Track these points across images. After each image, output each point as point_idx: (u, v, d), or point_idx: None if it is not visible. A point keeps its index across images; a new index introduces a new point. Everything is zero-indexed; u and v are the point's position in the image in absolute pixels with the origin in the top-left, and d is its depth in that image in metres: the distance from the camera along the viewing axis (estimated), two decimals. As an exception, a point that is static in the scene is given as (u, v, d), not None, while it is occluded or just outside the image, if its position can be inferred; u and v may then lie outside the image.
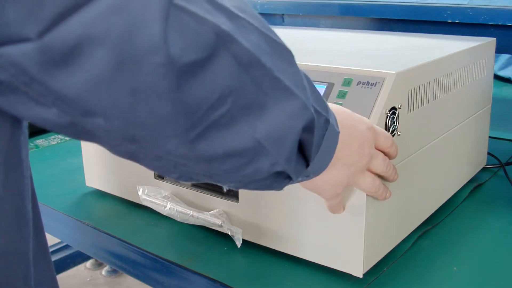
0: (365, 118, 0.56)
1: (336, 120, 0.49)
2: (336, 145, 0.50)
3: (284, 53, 0.42)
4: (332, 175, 0.53)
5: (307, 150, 0.45)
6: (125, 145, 0.38)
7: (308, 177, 0.50)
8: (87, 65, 0.33)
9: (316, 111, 0.44)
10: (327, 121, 0.46)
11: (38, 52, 0.32)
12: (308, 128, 0.44)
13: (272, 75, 0.40)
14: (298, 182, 0.50)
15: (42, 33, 0.32)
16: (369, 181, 0.57)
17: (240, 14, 0.38)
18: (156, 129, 0.36)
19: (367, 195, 0.60)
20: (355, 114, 0.55)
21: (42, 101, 0.35)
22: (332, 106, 0.51)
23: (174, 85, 0.35)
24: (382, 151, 0.58)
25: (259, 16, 0.41)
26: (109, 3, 0.32)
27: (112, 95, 0.34)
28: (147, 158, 0.40)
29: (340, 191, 0.56)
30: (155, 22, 0.33)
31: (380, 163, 0.57)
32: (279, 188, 0.48)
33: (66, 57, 0.33)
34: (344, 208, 0.61)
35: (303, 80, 0.43)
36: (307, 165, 0.47)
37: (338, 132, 0.49)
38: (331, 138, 0.48)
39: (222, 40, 0.36)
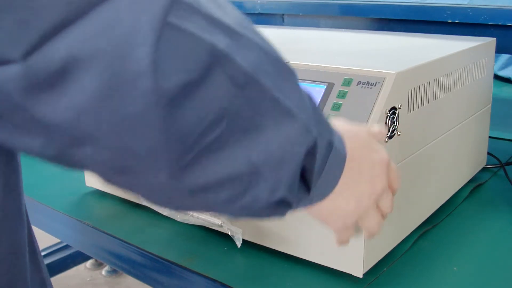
0: (381, 149, 0.50)
1: (343, 144, 0.45)
2: (342, 169, 0.45)
3: (286, 72, 0.39)
4: (338, 204, 0.47)
5: (307, 174, 0.41)
6: (115, 177, 0.35)
7: (310, 203, 0.45)
8: (73, 90, 0.30)
9: (319, 133, 0.41)
10: (330, 143, 0.42)
11: (22, 75, 0.30)
12: (310, 152, 0.40)
13: (271, 96, 0.37)
14: (300, 208, 0.45)
15: (26, 55, 0.29)
16: (377, 221, 0.51)
17: (240, 31, 0.35)
18: (146, 159, 0.33)
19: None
20: (372, 142, 0.50)
21: (27, 129, 0.32)
22: (345, 131, 0.47)
23: (165, 111, 0.32)
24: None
25: (261, 33, 0.38)
26: (97, 23, 0.30)
27: (99, 123, 0.31)
28: (141, 190, 0.37)
29: (350, 224, 0.50)
30: (145, 44, 0.30)
31: (390, 203, 0.52)
32: (281, 215, 0.43)
33: (51, 81, 0.30)
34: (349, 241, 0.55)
35: (305, 100, 0.40)
36: (309, 190, 0.42)
37: (345, 156, 0.45)
38: (336, 162, 0.44)
39: (216, 59, 0.33)
